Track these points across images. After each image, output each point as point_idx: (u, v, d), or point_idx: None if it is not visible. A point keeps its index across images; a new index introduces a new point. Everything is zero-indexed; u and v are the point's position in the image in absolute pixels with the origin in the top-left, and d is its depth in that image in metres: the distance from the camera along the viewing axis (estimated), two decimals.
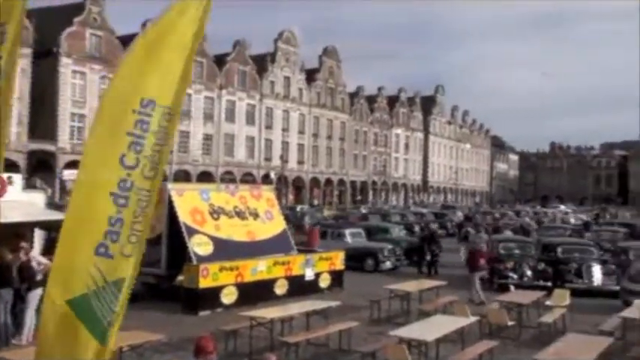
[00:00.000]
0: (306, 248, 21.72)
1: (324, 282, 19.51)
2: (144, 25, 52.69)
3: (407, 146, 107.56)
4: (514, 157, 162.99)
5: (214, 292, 16.09)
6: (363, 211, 55.14)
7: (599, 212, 61.75)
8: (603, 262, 21.28)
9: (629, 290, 17.60)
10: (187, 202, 17.31)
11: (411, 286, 17.10)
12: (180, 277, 16.72)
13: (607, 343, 10.95)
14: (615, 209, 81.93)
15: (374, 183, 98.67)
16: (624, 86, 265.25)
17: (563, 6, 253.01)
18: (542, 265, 21.00)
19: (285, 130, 79.59)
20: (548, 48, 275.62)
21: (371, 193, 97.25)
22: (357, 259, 23.92)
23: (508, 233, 30.43)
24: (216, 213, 17.82)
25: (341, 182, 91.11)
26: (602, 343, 10.76)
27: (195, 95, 66.70)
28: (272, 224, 19.54)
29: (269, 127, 77.10)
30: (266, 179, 69.91)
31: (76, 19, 56.06)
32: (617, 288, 19.09)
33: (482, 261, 19.35)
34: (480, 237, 27.75)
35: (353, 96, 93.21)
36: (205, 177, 65.67)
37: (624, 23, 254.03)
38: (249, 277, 16.93)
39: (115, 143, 4.57)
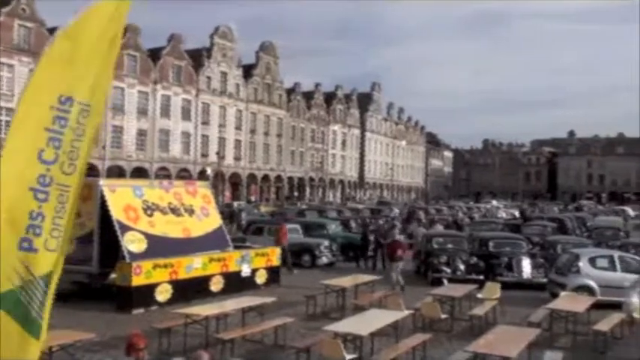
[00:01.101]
0: (242, 244, 21.67)
1: (261, 278, 19.48)
2: None
3: (344, 143, 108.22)
4: (448, 154, 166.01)
5: (148, 290, 15.85)
6: (303, 207, 55.18)
7: (524, 208, 63.33)
8: (532, 256, 21.97)
9: (556, 282, 18.23)
10: (120, 198, 16.99)
11: (346, 281, 17.21)
12: (113, 275, 16.41)
13: (534, 334, 11.28)
14: (545, 204, 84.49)
15: (311, 179, 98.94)
16: (555, 86, 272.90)
17: (498, 7, 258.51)
18: (474, 259, 21.49)
19: (221, 125, 78.94)
20: (481, 47, 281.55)
21: (308, 189, 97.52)
22: (294, 255, 23.98)
23: (439, 227, 30.93)
24: (150, 209, 17.55)
25: (278, 178, 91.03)
26: (529, 334, 11.07)
27: (128, 90, 65.48)
28: (208, 221, 19.38)
29: (205, 122, 76.34)
30: (202, 175, 69.18)
31: (4, 10, 54.17)
32: (545, 280, 19.75)
33: (399, 252, 19.88)
34: (418, 230, 28.44)
35: (290, 92, 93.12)
36: (140, 173, 64.51)
37: (558, 24, 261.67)
38: (183, 275, 16.75)
39: (34, 139, 4.59)
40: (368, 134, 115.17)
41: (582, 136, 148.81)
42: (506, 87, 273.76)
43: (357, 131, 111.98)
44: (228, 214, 40.56)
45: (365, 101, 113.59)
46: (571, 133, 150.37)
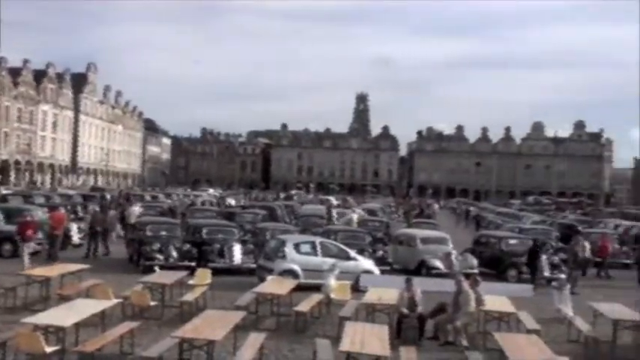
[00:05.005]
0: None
1: None
2: None
3: (55, 125, 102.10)
4: (167, 141, 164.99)
5: None
6: (4, 191, 50.90)
7: (223, 195, 65.49)
8: (243, 242, 22.80)
9: (264, 267, 19.18)
10: None
11: (51, 270, 16.30)
12: None
13: (240, 316, 11.80)
14: (261, 193, 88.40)
15: (17, 162, 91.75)
16: (270, 79, 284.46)
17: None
18: (187, 246, 21.71)
19: None
20: (200, 37, 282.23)
21: (13, 173, 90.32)
22: None
23: (135, 210, 30.49)
24: None
25: None
26: (236, 317, 11.55)
27: None
28: None
29: None
30: None
31: None
32: (255, 266, 20.66)
33: (30, 232, 20.23)
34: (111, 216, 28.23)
35: None
36: None
37: (275, 21, 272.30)
38: None
39: None
40: (82, 117, 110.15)
41: (294, 129, 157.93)
42: (224, 78, 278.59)
43: (70, 113, 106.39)
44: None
45: (80, 82, 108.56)
46: (284, 126, 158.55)
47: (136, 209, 30.97)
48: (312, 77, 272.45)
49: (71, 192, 54.98)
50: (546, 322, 14.87)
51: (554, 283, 18.30)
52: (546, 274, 22.13)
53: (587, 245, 25.55)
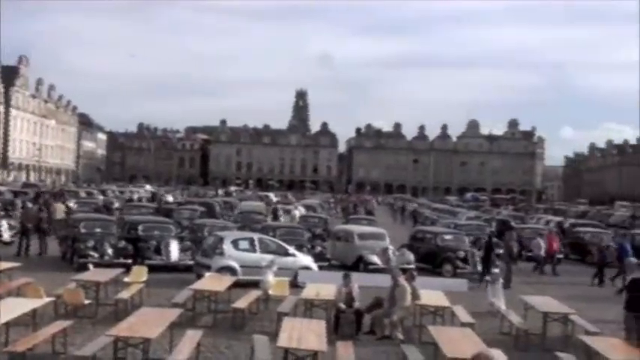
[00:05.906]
0: None
1: None
2: None
3: None
4: (102, 136, 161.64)
5: None
6: None
7: (157, 192, 65.00)
8: (181, 239, 22.56)
9: (201, 264, 19.04)
10: None
11: None
12: None
13: (177, 313, 11.68)
14: (200, 189, 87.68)
15: None
16: (208, 75, 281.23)
17: None
18: (123, 243, 21.34)
19: None
20: (137, 31, 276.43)
21: None
22: None
23: (60, 205, 29.72)
24: None
25: None
26: (172, 314, 11.43)
27: None
28: None
29: None
30: None
31: None
32: (192, 262, 20.47)
33: None
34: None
35: None
36: None
37: (209, 16, 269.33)
38: None
39: None
40: (13, 111, 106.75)
41: (233, 125, 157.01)
42: (161, 73, 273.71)
43: (0, 107, 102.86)
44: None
45: (10, 75, 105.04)
46: (223, 122, 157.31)
47: (62, 205, 30.11)
48: (252, 73, 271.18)
49: (2, 188, 53.29)
50: (480, 315, 15.19)
51: (487, 277, 18.75)
52: (479, 268, 22.62)
53: (542, 243, 26.36)
